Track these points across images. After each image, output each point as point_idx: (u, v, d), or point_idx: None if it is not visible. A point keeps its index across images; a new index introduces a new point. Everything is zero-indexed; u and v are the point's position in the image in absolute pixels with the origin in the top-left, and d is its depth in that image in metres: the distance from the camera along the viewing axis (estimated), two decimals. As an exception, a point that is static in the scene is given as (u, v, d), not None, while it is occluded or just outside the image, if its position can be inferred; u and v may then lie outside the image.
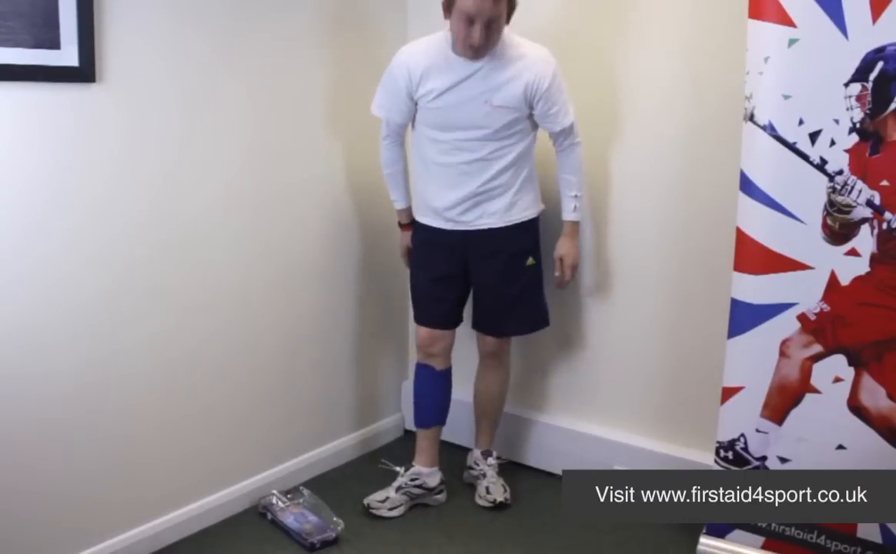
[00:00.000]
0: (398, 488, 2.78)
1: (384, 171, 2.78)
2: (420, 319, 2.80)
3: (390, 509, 2.73)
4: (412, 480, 2.80)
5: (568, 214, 2.72)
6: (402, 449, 3.14)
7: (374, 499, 2.75)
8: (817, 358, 2.21)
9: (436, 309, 2.77)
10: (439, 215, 2.68)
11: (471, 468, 2.94)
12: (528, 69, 2.53)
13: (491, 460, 2.92)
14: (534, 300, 2.79)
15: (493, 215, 2.66)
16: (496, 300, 2.76)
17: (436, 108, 2.57)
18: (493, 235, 2.67)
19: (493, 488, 2.83)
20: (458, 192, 2.62)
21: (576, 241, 2.74)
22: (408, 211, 2.83)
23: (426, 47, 2.58)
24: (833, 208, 2.13)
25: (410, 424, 3.13)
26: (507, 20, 2.48)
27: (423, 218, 2.74)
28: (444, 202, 2.65)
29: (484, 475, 2.88)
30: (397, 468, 2.85)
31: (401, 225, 2.86)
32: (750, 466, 2.31)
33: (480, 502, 2.82)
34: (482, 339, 2.86)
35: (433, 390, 2.84)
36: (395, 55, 2.62)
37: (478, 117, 2.55)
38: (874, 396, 2.15)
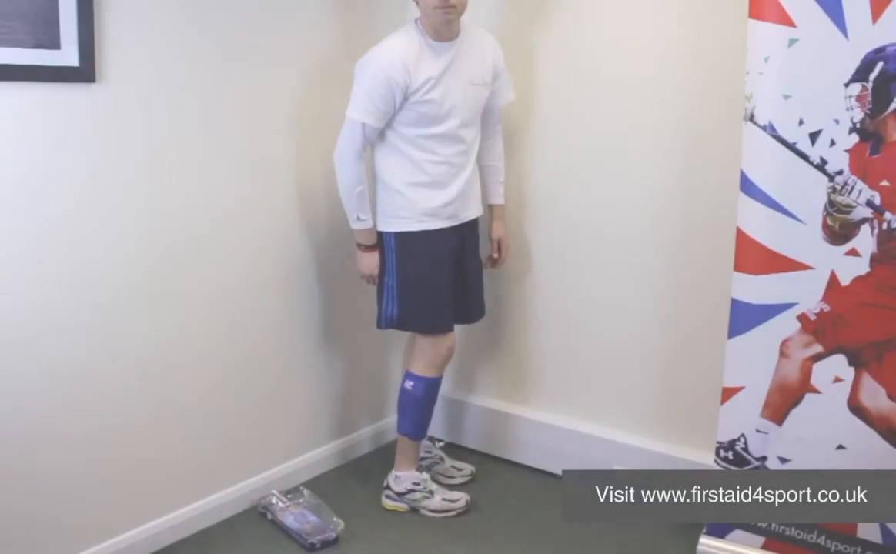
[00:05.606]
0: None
1: (355, 190, 2.56)
2: (443, 327, 2.71)
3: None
4: (415, 484, 2.79)
5: (499, 199, 2.88)
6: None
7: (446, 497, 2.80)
8: (817, 358, 2.21)
9: (449, 311, 2.73)
10: (437, 215, 2.62)
11: (423, 458, 2.93)
12: (488, 45, 2.66)
13: (439, 444, 3.09)
14: (482, 283, 2.92)
15: (476, 203, 2.76)
16: (473, 288, 2.84)
17: (429, 101, 2.51)
18: (474, 224, 2.78)
19: (458, 464, 3.00)
20: (456, 186, 2.63)
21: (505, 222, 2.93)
22: (374, 230, 2.67)
23: (404, 41, 2.51)
24: (833, 208, 2.13)
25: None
26: None
27: (419, 224, 2.61)
28: (443, 199, 2.61)
29: (442, 459, 3.00)
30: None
31: (367, 247, 2.67)
32: (750, 466, 2.31)
33: (458, 479, 2.94)
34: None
35: (434, 400, 2.82)
36: (371, 61, 2.49)
37: (464, 102, 2.59)
38: (874, 396, 2.15)
